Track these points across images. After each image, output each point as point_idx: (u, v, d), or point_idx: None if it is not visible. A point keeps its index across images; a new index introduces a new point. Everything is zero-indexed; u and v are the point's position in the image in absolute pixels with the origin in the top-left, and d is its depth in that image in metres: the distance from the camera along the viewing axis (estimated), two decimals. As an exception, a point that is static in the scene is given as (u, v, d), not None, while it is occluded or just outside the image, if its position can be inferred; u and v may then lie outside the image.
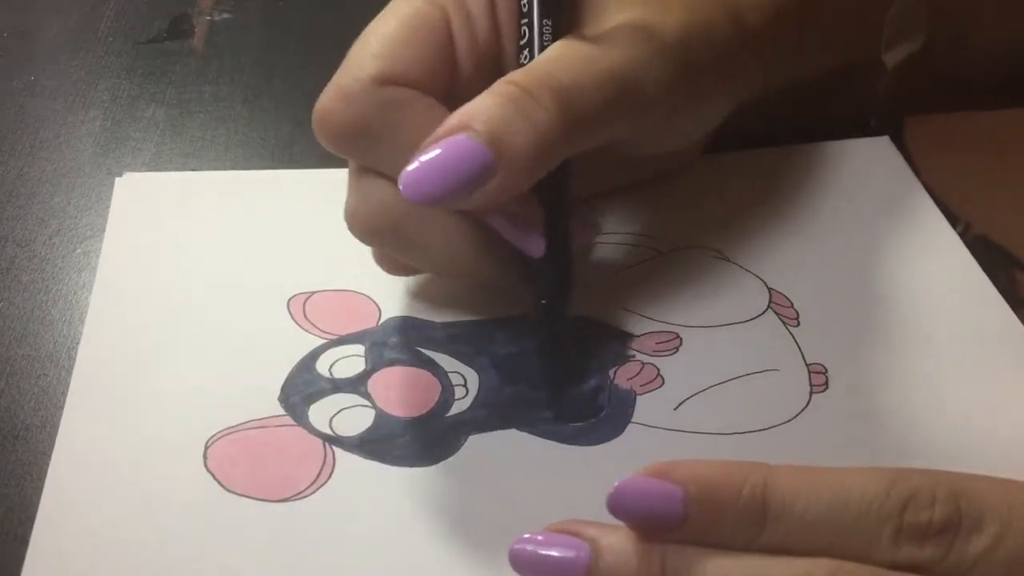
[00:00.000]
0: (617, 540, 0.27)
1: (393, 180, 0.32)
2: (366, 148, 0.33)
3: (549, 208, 0.35)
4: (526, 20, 0.35)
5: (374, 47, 0.34)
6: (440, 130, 0.31)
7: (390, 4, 0.35)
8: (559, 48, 0.34)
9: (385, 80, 0.33)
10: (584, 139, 0.33)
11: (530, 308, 0.36)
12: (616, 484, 0.26)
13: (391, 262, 0.37)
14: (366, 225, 0.34)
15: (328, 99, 0.34)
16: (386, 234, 0.34)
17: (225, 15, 0.56)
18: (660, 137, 0.38)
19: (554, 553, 0.27)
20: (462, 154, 0.31)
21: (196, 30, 0.54)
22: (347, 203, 0.35)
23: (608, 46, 0.34)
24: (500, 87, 0.32)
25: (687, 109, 0.37)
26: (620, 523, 0.27)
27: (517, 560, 0.27)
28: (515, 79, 0.32)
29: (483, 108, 0.31)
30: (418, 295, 0.39)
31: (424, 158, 0.31)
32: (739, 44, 0.38)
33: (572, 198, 0.36)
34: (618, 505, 0.26)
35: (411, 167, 0.31)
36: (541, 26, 0.34)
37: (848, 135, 0.46)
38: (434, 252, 0.35)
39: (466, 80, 0.35)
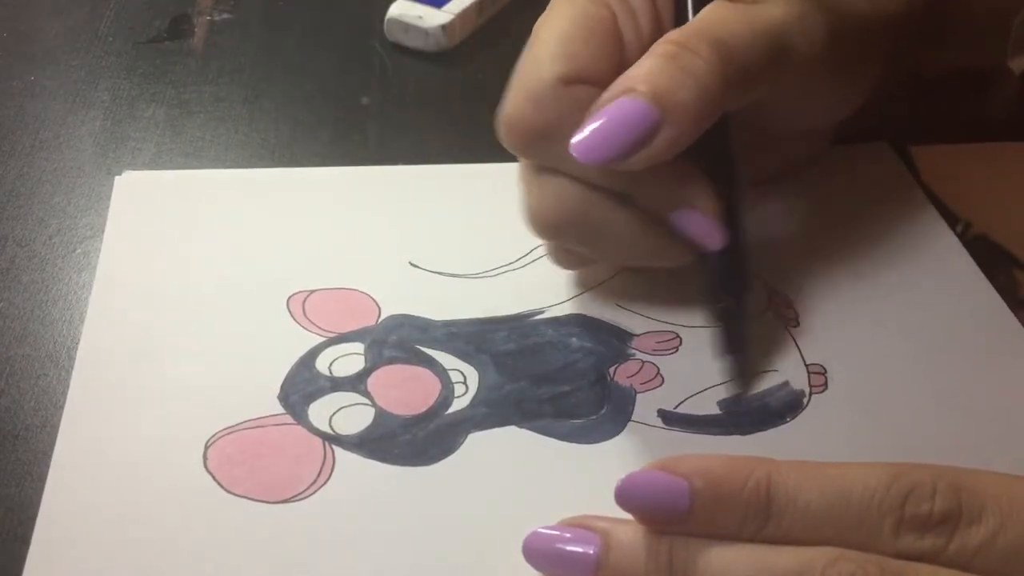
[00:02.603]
0: (626, 533, 0.28)
1: (573, 176, 0.34)
2: (553, 147, 0.34)
3: (724, 201, 0.35)
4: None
5: (553, 48, 0.34)
6: (605, 95, 0.33)
7: (553, 5, 0.36)
8: (712, 8, 0.35)
9: (569, 79, 0.34)
10: (742, 91, 0.34)
11: (708, 308, 0.37)
12: (624, 477, 0.27)
13: (565, 256, 0.38)
14: (549, 222, 0.35)
15: (516, 103, 0.34)
16: (569, 229, 0.35)
17: (225, 15, 0.56)
18: (805, 105, 0.38)
19: (566, 546, 0.28)
20: (629, 113, 0.32)
21: (196, 30, 0.54)
22: (526, 203, 0.36)
23: (762, 4, 0.35)
24: (658, 47, 0.33)
25: (832, 75, 0.37)
26: (629, 517, 0.28)
27: (531, 552, 0.29)
28: (671, 38, 0.33)
29: (644, 69, 0.33)
30: (417, 293, 0.39)
31: (594, 124, 0.32)
32: (877, 24, 0.38)
33: (745, 192, 0.36)
34: (625, 498, 0.27)
35: (581, 134, 0.32)
36: None
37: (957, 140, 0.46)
38: (614, 242, 0.35)
39: None
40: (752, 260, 0.36)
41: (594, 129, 0.32)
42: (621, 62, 0.35)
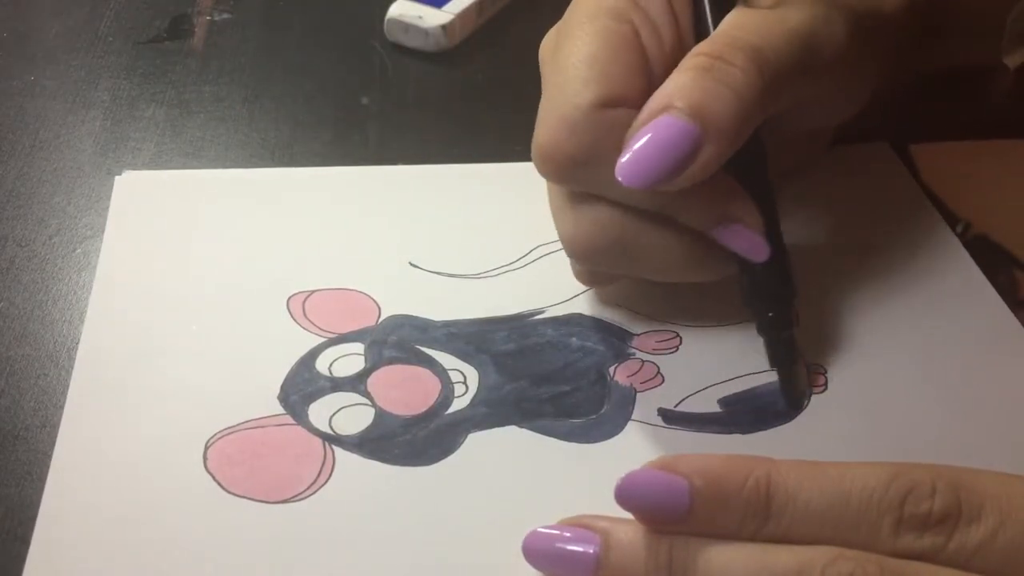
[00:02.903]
0: (626, 532, 0.28)
1: (612, 201, 0.33)
2: (591, 173, 0.33)
3: (765, 212, 0.35)
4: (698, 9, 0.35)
5: (584, 72, 0.33)
6: (642, 115, 0.32)
7: (575, 26, 0.35)
8: (736, 15, 0.34)
9: (604, 103, 0.33)
10: (778, 98, 0.33)
11: (753, 319, 0.36)
12: (624, 476, 0.27)
13: (592, 275, 0.38)
14: (590, 248, 0.35)
15: (551, 131, 0.33)
16: (608, 253, 0.35)
17: (225, 15, 0.56)
18: (820, 106, 0.38)
19: (566, 545, 0.28)
20: (670, 133, 0.31)
21: (196, 30, 0.54)
22: (564, 230, 0.35)
23: (784, 7, 0.34)
24: (689, 61, 0.32)
25: (847, 74, 0.37)
26: (629, 516, 0.28)
27: (531, 551, 0.29)
28: (702, 50, 0.33)
29: (679, 85, 0.32)
30: (417, 293, 0.39)
31: (636, 145, 0.31)
32: (880, 22, 0.38)
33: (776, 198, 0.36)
34: (625, 496, 0.27)
35: (624, 157, 0.31)
36: (712, 4, 0.35)
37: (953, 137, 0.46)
38: (657, 262, 0.35)
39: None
40: (793, 269, 0.36)
41: (636, 153, 0.31)
42: (651, 79, 0.34)
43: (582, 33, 0.34)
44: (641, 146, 0.31)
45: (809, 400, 0.36)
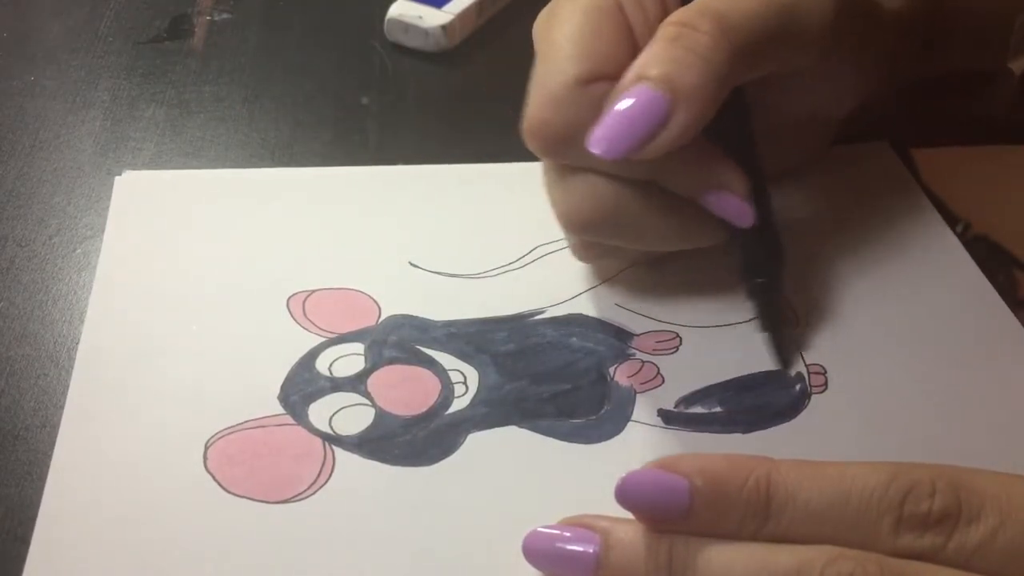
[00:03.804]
0: (626, 532, 0.28)
1: (602, 172, 0.34)
2: (578, 147, 0.34)
3: (751, 179, 0.35)
4: None
5: (568, 49, 0.34)
6: (617, 88, 0.33)
7: (562, 3, 0.36)
8: None
9: (587, 79, 0.34)
10: (751, 64, 0.34)
11: (741, 285, 0.37)
12: (624, 476, 0.27)
13: (588, 249, 0.38)
14: (584, 219, 0.35)
15: (538, 107, 0.34)
16: (603, 223, 0.35)
17: (225, 15, 0.56)
18: (814, 86, 0.38)
19: (566, 545, 0.28)
20: (640, 103, 0.32)
21: (196, 30, 0.54)
22: (556, 204, 0.36)
23: None
24: (661, 31, 0.33)
25: (841, 55, 0.37)
26: (630, 516, 0.28)
27: (531, 551, 0.29)
28: (672, 19, 0.33)
29: (651, 55, 0.33)
30: (417, 293, 0.39)
31: (606, 118, 0.32)
32: (884, 12, 0.38)
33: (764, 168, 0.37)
34: (625, 496, 0.27)
35: (598, 128, 0.32)
36: None
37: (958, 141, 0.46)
38: (649, 230, 0.36)
39: None
40: (782, 236, 0.37)
41: (607, 124, 0.32)
42: (635, 53, 0.35)
43: (567, 11, 0.35)
44: (610, 118, 0.32)
45: (809, 400, 0.36)
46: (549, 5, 0.37)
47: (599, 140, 0.32)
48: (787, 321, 0.37)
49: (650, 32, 0.35)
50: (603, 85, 0.34)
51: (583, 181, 0.35)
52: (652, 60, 0.33)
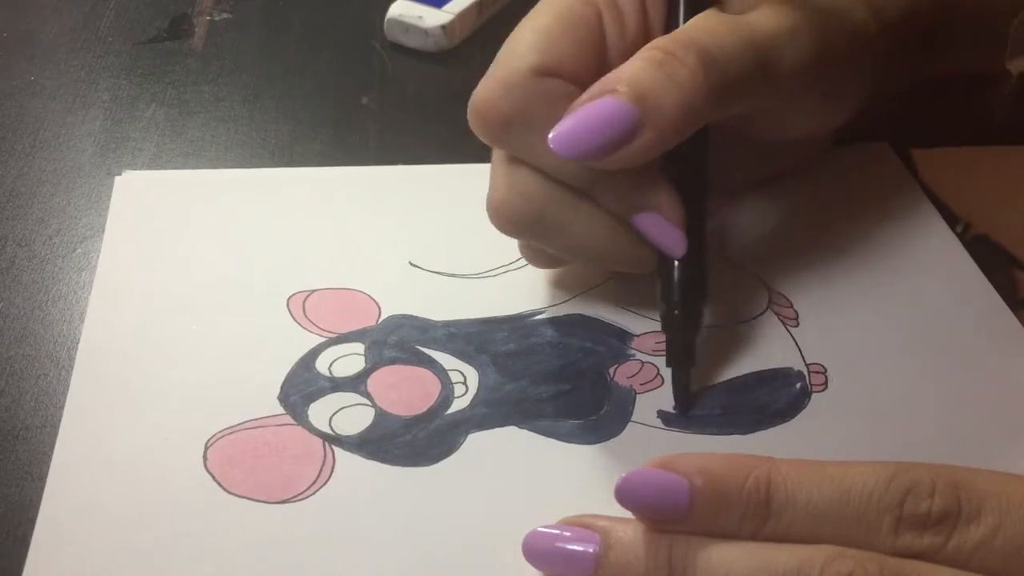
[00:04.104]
0: (626, 532, 0.28)
1: (540, 171, 0.34)
2: (521, 137, 0.34)
3: (690, 208, 0.35)
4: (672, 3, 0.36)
5: (531, 39, 0.35)
6: (591, 91, 0.33)
7: (542, 2, 0.36)
8: (702, 17, 0.35)
9: (543, 71, 0.34)
10: (725, 102, 0.34)
11: (660, 316, 0.36)
12: (624, 475, 0.27)
13: (537, 254, 0.38)
14: (511, 214, 0.35)
15: (487, 89, 0.34)
16: (529, 223, 0.35)
17: (225, 15, 0.56)
18: (792, 117, 0.39)
19: (566, 544, 0.28)
20: (610, 112, 0.32)
21: (196, 30, 0.54)
22: (491, 193, 0.36)
23: (750, 17, 0.35)
24: (644, 52, 0.33)
25: (820, 90, 0.38)
26: (630, 516, 0.28)
27: (531, 551, 0.29)
28: (658, 44, 0.33)
29: (629, 71, 0.33)
30: (417, 293, 0.39)
31: (574, 117, 0.32)
32: (875, 32, 0.38)
33: (708, 203, 0.36)
34: (625, 495, 0.27)
35: (562, 125, 0.32)
36: (686, 4, 0.36)
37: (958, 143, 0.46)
38: (575, 240, 0.35)
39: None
40: (710, 274, 0.36)
41: (574, 123, 0.32)
42: (602, 62, 0.35)
43: (545, 5, 0.36)
44: (579, 117, 0.32)
45: (809, 400, 0.36)
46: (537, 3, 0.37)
47: (559, 137, 0.32)
48: (691, 363, 0.35)
49: (625, 47, 0.35)
50: (558, 82, 0.34)
51: (520, 174, 0.35)
52: (629, 75, 0.32)
